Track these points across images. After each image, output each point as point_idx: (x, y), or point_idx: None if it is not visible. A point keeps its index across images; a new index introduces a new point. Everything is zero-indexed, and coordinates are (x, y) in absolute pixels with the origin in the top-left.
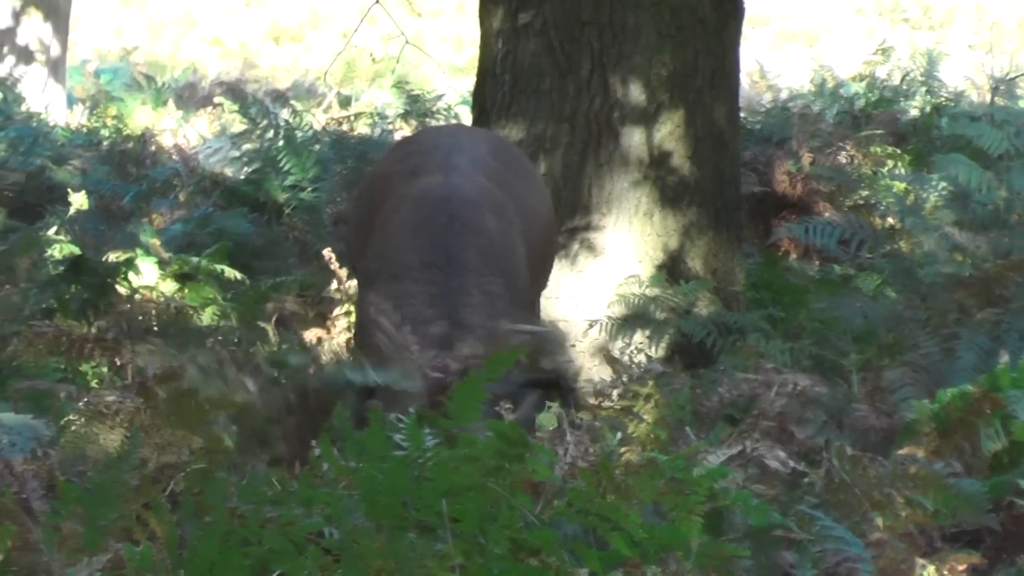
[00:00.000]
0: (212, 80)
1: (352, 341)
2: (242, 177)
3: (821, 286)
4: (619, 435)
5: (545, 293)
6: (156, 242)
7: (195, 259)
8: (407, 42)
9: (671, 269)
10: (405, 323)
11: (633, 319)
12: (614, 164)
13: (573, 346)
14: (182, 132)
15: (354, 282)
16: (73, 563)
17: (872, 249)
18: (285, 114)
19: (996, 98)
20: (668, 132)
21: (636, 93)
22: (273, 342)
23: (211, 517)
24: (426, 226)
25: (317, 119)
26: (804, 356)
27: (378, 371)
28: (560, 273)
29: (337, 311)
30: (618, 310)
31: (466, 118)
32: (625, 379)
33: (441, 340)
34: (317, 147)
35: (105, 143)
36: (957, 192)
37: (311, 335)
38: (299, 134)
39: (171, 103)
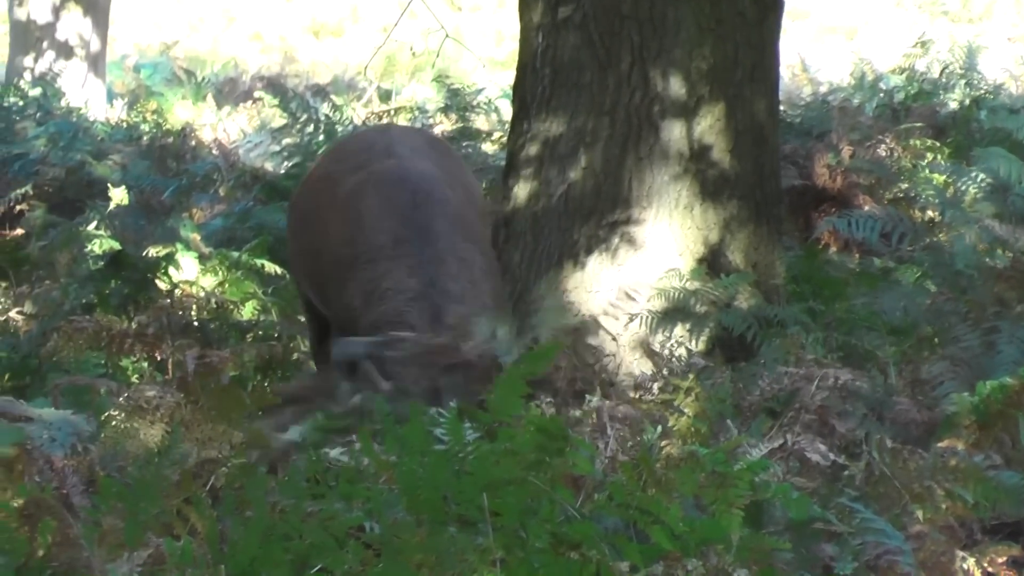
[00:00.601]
0: (252, 75)
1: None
2: (282, 171)
3: (861, 279)
4: (660, 429)
5: (585, 287)
6: (196, 237)
7: (235, 254)
8: (447, 36)
9: (711, 263)
10: (388, 295)
11: (673, 312)
12: (654, 158)
13: (614, 340)
14: (222, 127)
15: None
16: (113, 559)
17: (912, 242)
18: (325, 108)
19: None
20: (708, 126)
21: (676, 87)
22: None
23: (252, 512)
24: (390, 206)
25: (357, 113)
26: (844, 349)
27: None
28: (600, 267)
29: None
30: (658, 304)
31: (506, 112)
32: (666, 373)
33: (432, 312)
34: None
35: (145, 138)
36: (996, 185)
37: None
38: (339, 128)
39: (211, 98)
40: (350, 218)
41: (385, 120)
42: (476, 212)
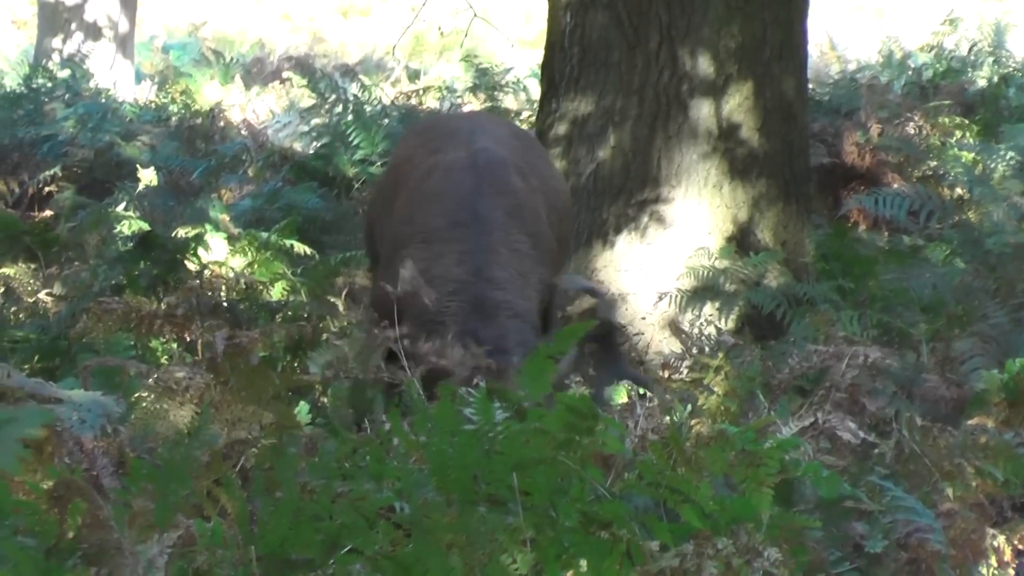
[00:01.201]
0: (280, 55)
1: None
2: (311, 152)
3: (890, 257)
4: (689, 407)
5: (615, 265)
6: (225, 217)
7: (264, 234)
8: (475, 15)
9: (740, 241)
10: (435, 283)
11: (703, 291)
12: (683, 136)
13: (643, 319)
14: (251, 107)
15: None
16: (144, 540)
17: (941, 220)
18: (354, 88)
19: None
20: (737, 104)
21: (704, 65)
22: (343, 316)
23: (282, 492)
24: (454, 191)
25: (386, 93)
26: (875, 327)
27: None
28: (629, 245)
29: None
30: (688, 282)
31: (535, 91)
32: (695, 351)
33: (474, 301)
34: (386, 121)
35: (174, 119)
36: None
37: None
38: (368, 108)
39: (239, 78)
40: (413, 199)
41: (413, 100)
42: (546, 206)
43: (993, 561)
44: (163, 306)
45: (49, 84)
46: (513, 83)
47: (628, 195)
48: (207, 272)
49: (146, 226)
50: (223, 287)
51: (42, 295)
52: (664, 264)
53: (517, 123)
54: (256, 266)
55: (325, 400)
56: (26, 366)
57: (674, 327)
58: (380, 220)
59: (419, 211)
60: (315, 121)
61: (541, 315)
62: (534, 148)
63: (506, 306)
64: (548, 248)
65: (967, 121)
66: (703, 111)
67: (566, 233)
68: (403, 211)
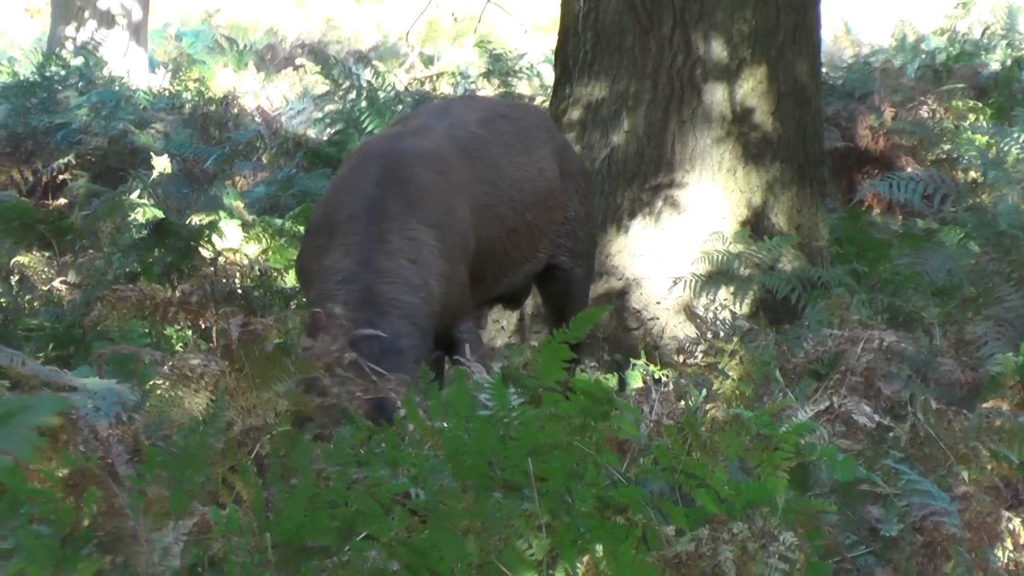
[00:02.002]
0: (293, 42)
1: None
2: (325, 138)
3: (904, 240)
4: (704, 392)
5: (629, 250)
6: (239, 204)
7: (279, 221)
8: (488, 1)
9: (755, 225)
10: (326, 274)
11: (717, 275)
12: (697, 121)
13: (658, 303)
14: (264, 94)
15: None
16: (159, 527)
17: (955, 203)
18: (367, 75)
19: None
20: (750, 88)
21: (718, 49)
22: None
23: (297, 479)
24: (356, 180)
25: (399, 79)
26: (889, 311)
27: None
28: (644, 230)
29: None
30: (702, 267)
31: (548, 76)
32: (710, 336)
33: (362, 292)
34: (399, 107)
35: (187, 106)
36: None
37: None
38: (381, 94)
39: (253, 65)
40: (329, 189)
41: (427, 86)
42: (469, 201)
43: (1009, 544)
44: (178, 293)
45: (63, 72)
46: (527, 68)
47: (642, 180)
48: (221, 259)
49: (160, 214)
50: (237, 274)
51: (56, 283)
52: (678, 249)
53: None
54: (270, 253)
55: None
56: (41, 354)
57: (689, 312)
58: None
59: (330, 198)
60: (329, 107)
61: (453, 306)
62: (504, 137)
63: (397, 305)
64: (459, 245)
65: (980, 104)
66: (717, 95)
67: (543, 222)
68: (320, 200)
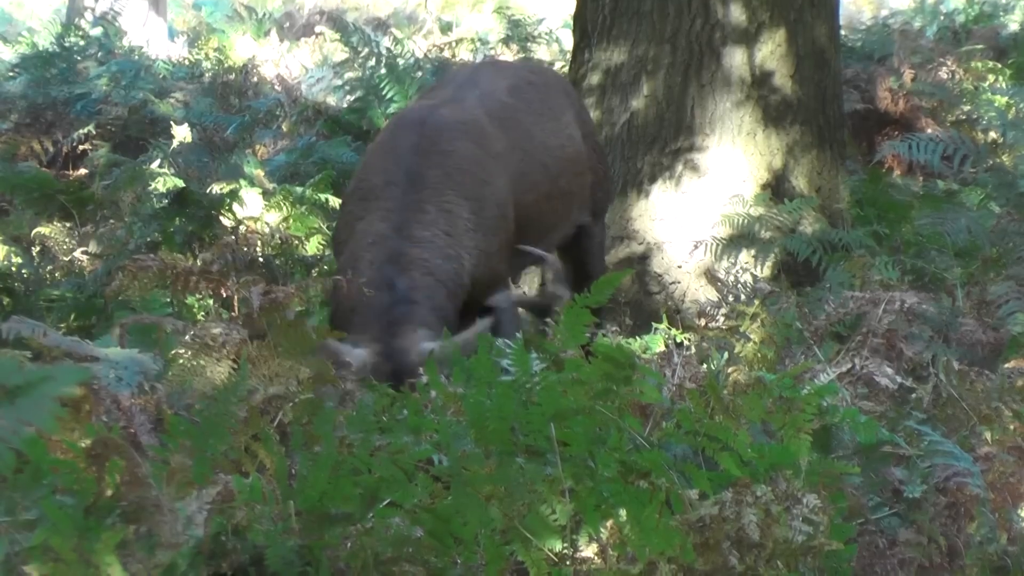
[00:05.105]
0: (311, 9)
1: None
2: (345, 106)
3: (925, 202)
4: (726, 355)
5: (650, 215)
6: (260, 173)
7: (299, 189)
8: None
9: (775, 188)
10: (358, 237)
11: (738, 239)
12: (716, 84)
13: (679, 267)
14: (284, 62)
15: None
16: (182, 496)
17: (975, 164)
18: (386, 42)
19: None
20: (770, 51)
21: (737, 13)
22: None
23: (320, 447)
24: (395, 148)
25: (418, 46)
26: (911, 272)
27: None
28: (664, 194)
29: None
30: (723, 230)
31: (567, 42)
32: (731, 299)
33: (390, 254)
34: (419, 74)
35: (207, 75)
36: None
37: None
38: (401, 61)
39: (272, 33)
40: (367, 153)
41: (446, 52)
42: (506, 170)
43: None
44: (199, 262)
45: (82, 42)
46: (546, 34)
47: (662, 144)
48: (242, 228)
49: (181, 183)
50: (258, 242)
51: (77, 253)
52: (699, 212)
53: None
54: (291, 221)
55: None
56: (62, 324)
57: (710, 275)
58: None
59: (365, 166)
60: (348, 75)
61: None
62: (534, 105)
63: (422, 263)
64: (494, 216)
65: (1000, 65)
66: (736, 59)
67: (561, 187)
68: (357, 168)
